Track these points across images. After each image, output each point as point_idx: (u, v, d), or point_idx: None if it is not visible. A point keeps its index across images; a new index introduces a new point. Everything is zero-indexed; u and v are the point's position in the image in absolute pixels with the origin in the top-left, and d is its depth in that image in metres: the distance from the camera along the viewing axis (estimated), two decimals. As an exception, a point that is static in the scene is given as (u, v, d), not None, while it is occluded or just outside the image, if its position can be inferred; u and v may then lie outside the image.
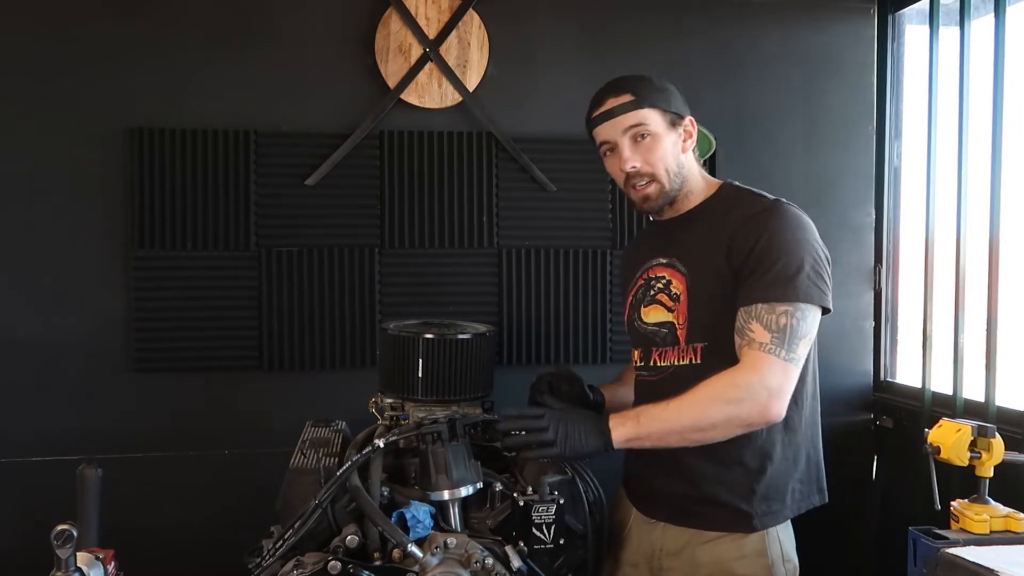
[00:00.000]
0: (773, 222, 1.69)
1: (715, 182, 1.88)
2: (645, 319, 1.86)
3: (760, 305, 1.64)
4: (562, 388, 1.98)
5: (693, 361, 1.76)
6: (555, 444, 1.61)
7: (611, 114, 1.77)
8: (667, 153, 1.78)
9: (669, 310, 1.80)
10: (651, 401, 1.75)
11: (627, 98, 1.76)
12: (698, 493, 1.78)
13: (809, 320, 1.65)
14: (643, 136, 1.77)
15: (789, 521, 1.82)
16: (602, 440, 1.63)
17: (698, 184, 1.85)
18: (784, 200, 1.76)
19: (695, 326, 1.75)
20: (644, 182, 1.79)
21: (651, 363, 1.84)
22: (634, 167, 1.77)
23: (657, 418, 1.64)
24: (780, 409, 1.63)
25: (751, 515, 1.75)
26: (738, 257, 1.69)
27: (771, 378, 1.62)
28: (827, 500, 1.85)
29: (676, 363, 1.79)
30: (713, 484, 1.76)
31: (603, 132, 1.80)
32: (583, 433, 1.63)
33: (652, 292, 1.84)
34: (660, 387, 1.78)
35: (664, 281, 1.82)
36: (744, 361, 1.64)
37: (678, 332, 1.78)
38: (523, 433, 1.64)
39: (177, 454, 2.56)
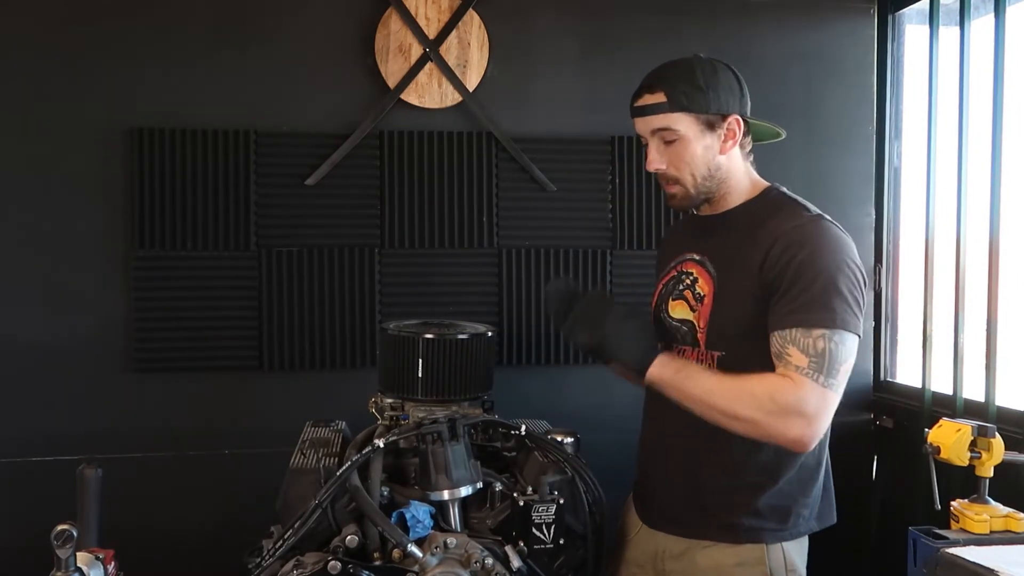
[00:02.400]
0: (813, 240, 1.63)
1: (762, 184, 1.80)
2: (672, 313, 1.81)
3: (796, 330, 1.58)
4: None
5: (710, 367, 1.71)
6: (604, 332, 1.66)
7: (642, 111, 1.72)
8: (695, 158, 1.71)
9: (691, 309, 1.76)
10: (660, 397, 1.74)
11: (659, 98, 1.69)
12: (694, 500, 1.76)
13: (848, 346, 1.59)
14: (671, 140, 1.71)
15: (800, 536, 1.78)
16: (641, 360, 1.66)
17: (741, 184, 1.77)
18: (826, 216, 1.70)
19: (714, 333, 1.70)
20: (669, 184, 1.75)
21: None
22: (658, 169, 1.73)
23: (694, 380, 1.64)
24: (813, 436, 1.58)
25: (739, 528, 1.72)
26: (771, 272, 1.63)
27: (808, 403, 1.56)
28: (835, 520, 1.81)
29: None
30: (714, 495, 1.74)
31: (636, 126, 1.76)
32: (635, 341, 1.67)
33: (680, 287, 1.80)
34: None
35: (691, 278, 1.78)
36: (785, 380, 1.58)
37: (698, 335, 1.74)
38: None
39: (177, 454, 2.56)
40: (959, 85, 2.48)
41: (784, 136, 1.86)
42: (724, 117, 1.71)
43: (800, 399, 1.56)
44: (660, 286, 1.87)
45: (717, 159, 1.72)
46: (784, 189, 1.80)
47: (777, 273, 1.62)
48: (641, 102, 1.72)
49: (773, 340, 1.61)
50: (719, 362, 1.70)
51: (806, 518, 1.75)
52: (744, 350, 1.66)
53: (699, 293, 1.75)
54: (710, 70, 1.71)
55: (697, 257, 1.79)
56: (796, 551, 1.76)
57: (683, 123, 1.69)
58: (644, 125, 1.73)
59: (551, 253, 2.73)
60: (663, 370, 1.66)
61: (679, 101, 1.68)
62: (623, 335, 1.67)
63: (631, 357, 1.67)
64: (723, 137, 1.72)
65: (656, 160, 1.72)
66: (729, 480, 1.72)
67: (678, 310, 1.79)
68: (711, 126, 1.71)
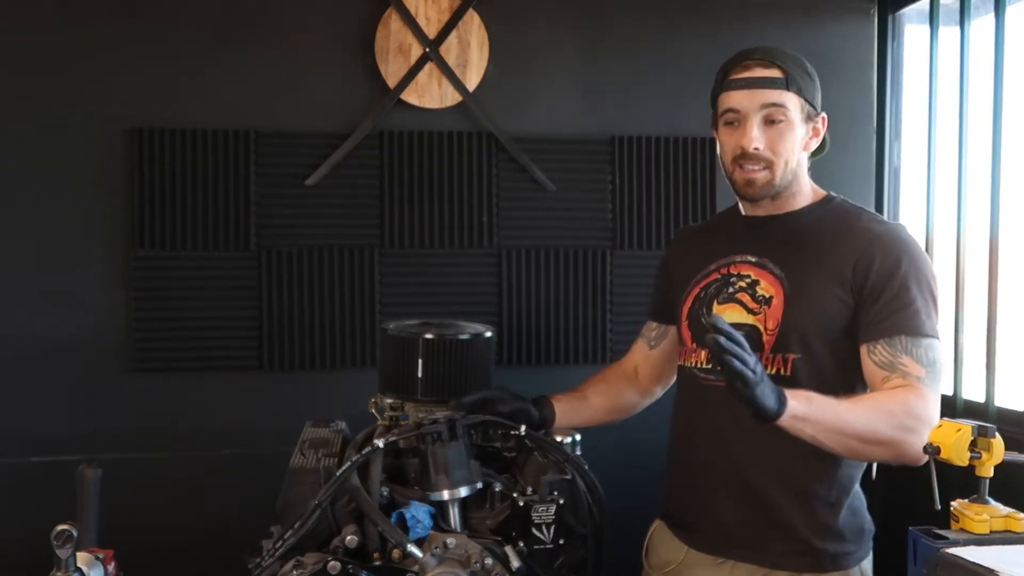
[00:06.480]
0: (908, 248, 1.64)
1: (821, 191, 1.77)
2: None
3: (905, 337, 1.58)
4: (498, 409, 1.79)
5: (781, 372, 1.65)
6: (757, 384, 1.42)
7: (754, 83, 1.62)
8: (794, 145, 1.65)
9: (751, 312, 1.69)
10: (713, 408, 1.70)
11: (777, 73, 1.62)
12: (767, 521, 1.68)
13: (944, 355, 1.62)
14: (778, 120, 1.63)
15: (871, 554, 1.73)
16: (778, 404, 1.46)
17: (805, 186, 1.74)
18: (902, 224, 1.70)
19: (790, 336, 1.65)
20: (758, 167, 1.65)
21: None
22: (757, 148, 1.63)
23: (829, 409, 1.52)
24: None
25: (823, 554, 1.66)
26: (867, 277, 1.61)
27: (934, 414, 1.56)
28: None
29: None
30: (786, 513, 1.67)
31: (735, 99, 1.64)
32: (769, 386, 1.47)
33: (731, 290, 1.73)
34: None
35: (748, 280, 1.72)
36: (914, 393, 1.56)
37: (764, 338, 1.68)
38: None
39: (177, 454, 2.56)
40: (959, 85, 2.48)
41: (827, 148, 1.83)
42: (818, 112, 1.69)
43: (929, 411, 1.56)
44: (697, 289, 1.80)
45: (800, 153, 1.69)
46: (846, 199, 1.77)
47: (876, 279, 1.61)
48: (752, 73, 1.64)
49: (878, 348, 1.59)
50: (795, 365, 1.65)
51: (869, 536, 1.72)
52: (823, 352, 1.63)
53: (762, 295, 1.69)
54: (808, 63, 1.68)
55: (753, 259, 1.74)
56: (869, 570, 1.72)
57: (794, 105, 1.65)
58: (750, 99, 1.64)
59: (551, 253, 2.73)
60: (798, 405, 1.48)
61: (797, 81, 1.64)
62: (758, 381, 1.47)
63: (768, 403, 1.45)
64: (811, 133, 1.70)
65: (758, 138, 1.64)
66: (804, 497, 1.66)
67: (729, 314, 1.72)
68: (809, 118, 1.68)
